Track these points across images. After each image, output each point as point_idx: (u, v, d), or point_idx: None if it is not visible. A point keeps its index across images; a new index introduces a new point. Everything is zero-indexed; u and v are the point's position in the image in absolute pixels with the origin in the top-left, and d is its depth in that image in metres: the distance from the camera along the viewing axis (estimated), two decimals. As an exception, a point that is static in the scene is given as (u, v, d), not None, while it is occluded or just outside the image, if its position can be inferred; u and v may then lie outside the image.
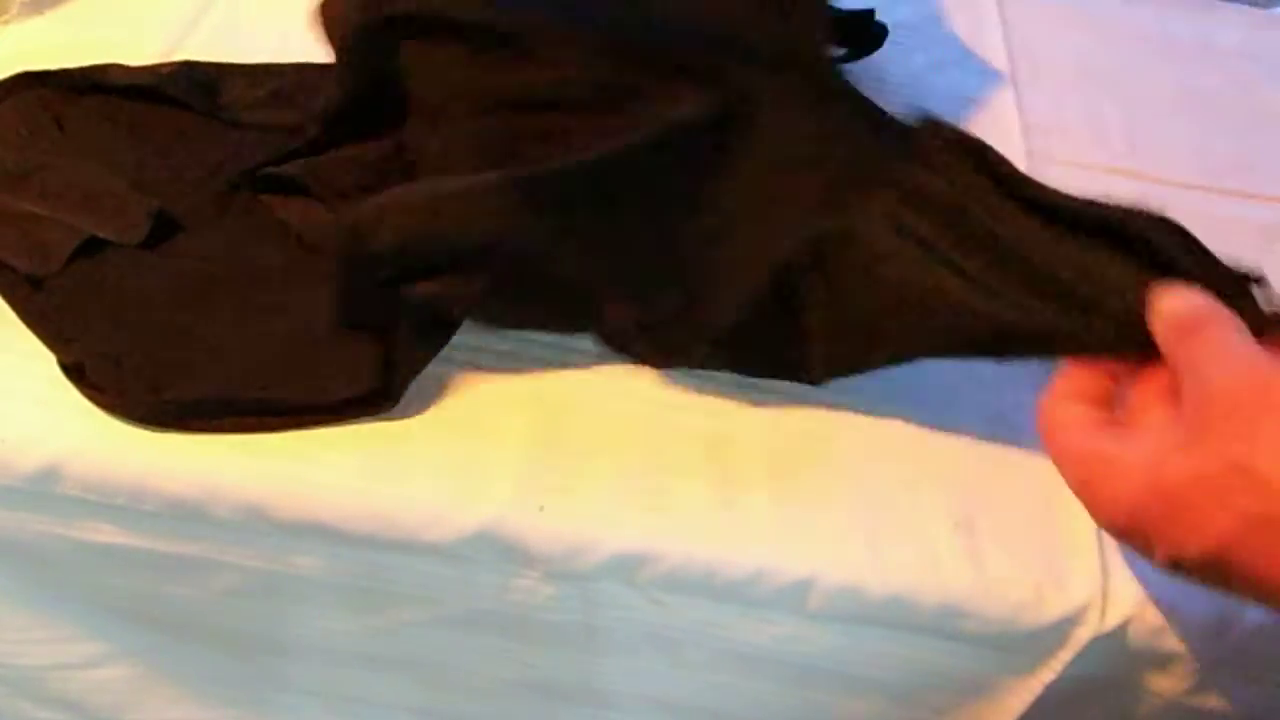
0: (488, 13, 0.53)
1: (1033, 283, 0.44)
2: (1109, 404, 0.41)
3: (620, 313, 0.49)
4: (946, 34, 0.77)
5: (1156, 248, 0.42)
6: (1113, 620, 0.47)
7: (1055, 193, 0.45)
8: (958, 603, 0.46)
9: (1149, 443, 0.37)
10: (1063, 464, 0.40)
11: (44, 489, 0.45)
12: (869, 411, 0.51)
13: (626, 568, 0.46)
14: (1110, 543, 0.48)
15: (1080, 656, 0.48)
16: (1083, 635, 0.47)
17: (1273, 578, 0.35)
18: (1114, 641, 0.47)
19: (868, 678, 0.51)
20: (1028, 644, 0.48)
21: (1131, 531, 0.38)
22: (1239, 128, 0.73)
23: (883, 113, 0.53)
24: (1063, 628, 0.47)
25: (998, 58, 0.75)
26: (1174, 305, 0.40)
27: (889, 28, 0.69)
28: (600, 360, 0.51)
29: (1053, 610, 0.46)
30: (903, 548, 0.47)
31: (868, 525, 0.47)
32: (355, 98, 0.55)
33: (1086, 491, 0.39)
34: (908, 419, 0.51)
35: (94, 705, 0.56)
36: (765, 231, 0.49)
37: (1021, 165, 0.66)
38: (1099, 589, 0.47)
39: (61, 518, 0.47)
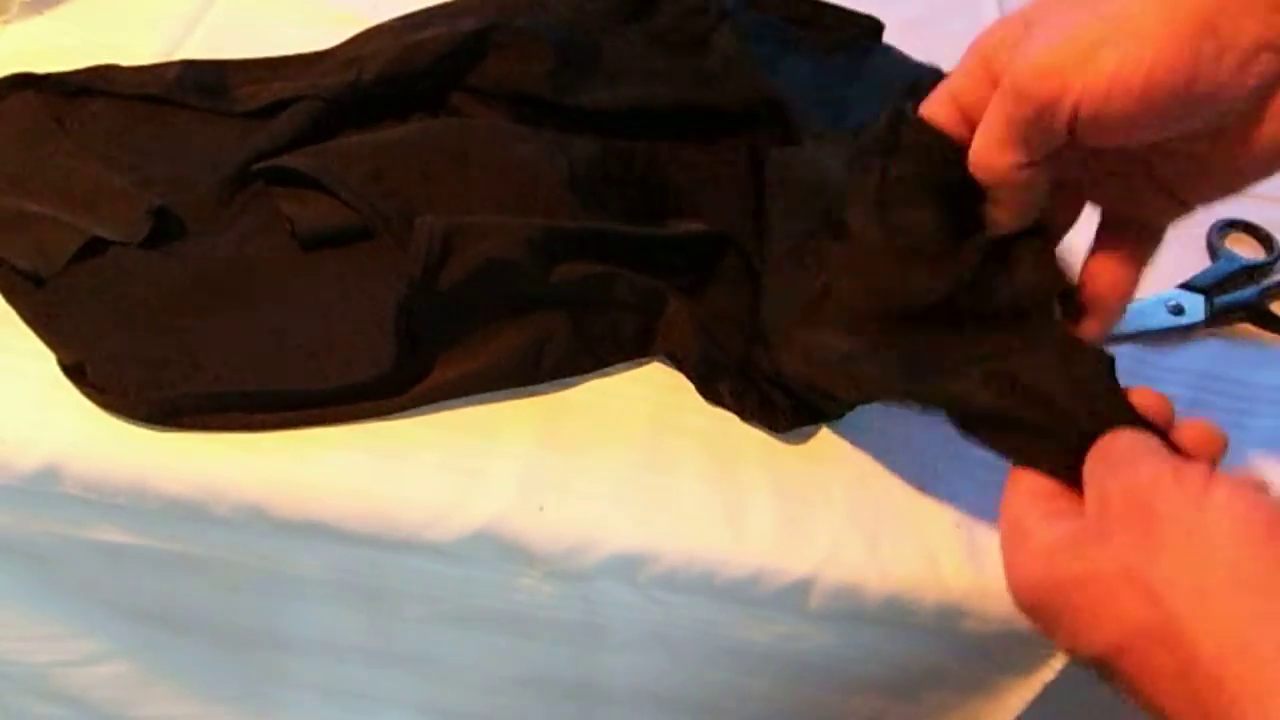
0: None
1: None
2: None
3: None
4: (945, 34, 0.77)
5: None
6: (1113, 620, 0.47)
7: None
8: (958, 603, 0.46)
9: (1058, 532, 0.37)
10: (1001, 520, 0.40)
11: (44, 489, 0.45)
12: (869, 411, 0.51)
13: (626, 567, 0.46)
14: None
15: (1080, 656, 0.48)
16: (1083, 635, 0.47)
17: (1155, 693, 0.34)
18: (1114, 641, 0.47)
19: (867, 676, 0.51)
20: (1028, 644, 0.48)
21: (1032, 613, 0.38)
22: (1239, 128, 0.73)
23: None
24: (1063, 628, 0.47)
25: (998, 57, 0.75)
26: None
27: (886, 26, 0.69)
28: (600, 360, 0.51)
29: (1053, 610, 0.46)
30: (903, 548, 0.47)
31: (868, 525, 0.47)
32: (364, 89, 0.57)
33: (1003, 557, 0.39)
34: (908, 419, 0.51)
35: (96, 701, 0.56)
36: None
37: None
38: (1099, 589, 0.47)
39: (62, 517, 0.47)
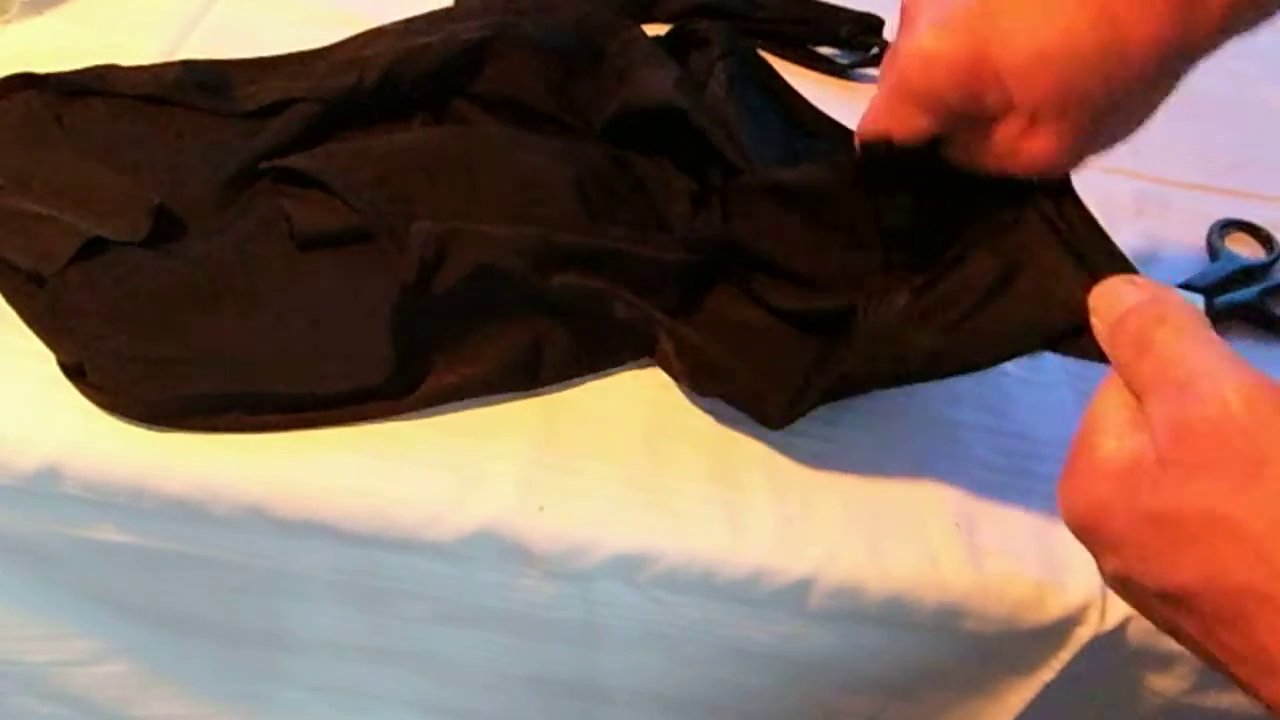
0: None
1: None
2: None
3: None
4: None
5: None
6: (1113, 620, 0.47)
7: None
8: (958, 602, 0.46)
9: (1127, 452, 0.34)
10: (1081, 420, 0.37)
11: (44, 488, 0.45)
12: (869, 411, 0.51)
13: (626, 567, 0.46)
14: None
15: (1080, 656, 0.48)
16: (1083, 635, 0.47)
17: (1215, 643, 0.32)
18: (1114, 641, 0.47)
19: (867, 676, 0.51)
20: (1028, 644, 0.48)
21: (1081, 532, 0.35)
22: (1239, 127, 0.73)
23: None
24: (1063, 627, 0.47)
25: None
26: (1113, 303, 0.38)
27: (886, 23, 0.70)
28: (600, 360, 0.51)
29: (1053, 610, 0.46)
30: (903, 548, 0.47)
31: (868, 525, 0.47)
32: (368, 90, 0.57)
33: (1066, 464, 0.36)
34: (908, 419, 0.51)
35: (97, 700, 0.56)
36: None
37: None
38: (1099, 589, 0.47)
39: (62, 517, 0.47)
